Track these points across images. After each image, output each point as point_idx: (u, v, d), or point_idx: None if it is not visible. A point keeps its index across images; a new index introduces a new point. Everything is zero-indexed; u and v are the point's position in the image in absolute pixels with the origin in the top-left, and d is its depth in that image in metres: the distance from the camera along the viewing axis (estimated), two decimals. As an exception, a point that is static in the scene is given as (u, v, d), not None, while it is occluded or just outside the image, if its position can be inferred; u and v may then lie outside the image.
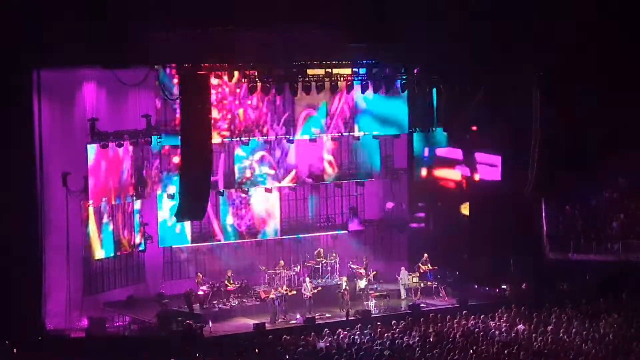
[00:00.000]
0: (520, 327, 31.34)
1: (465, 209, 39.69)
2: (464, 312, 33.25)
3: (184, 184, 33.48)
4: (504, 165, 38.65)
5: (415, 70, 36.39)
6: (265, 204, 38.58)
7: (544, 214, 39.10)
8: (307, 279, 35.85)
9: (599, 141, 38.40)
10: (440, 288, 36.99)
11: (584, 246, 38.53)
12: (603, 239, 38.72)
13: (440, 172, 39.97)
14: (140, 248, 36.49)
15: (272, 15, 32.47)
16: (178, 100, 34.02)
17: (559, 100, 36.42)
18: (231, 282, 35.71)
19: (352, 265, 37.46)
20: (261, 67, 34.29)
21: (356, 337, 30.58)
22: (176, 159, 35.62)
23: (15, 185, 31.69)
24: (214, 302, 35.27)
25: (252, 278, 36.84)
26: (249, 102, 36.78)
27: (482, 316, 32.78)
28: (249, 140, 36.85)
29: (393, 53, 35.40)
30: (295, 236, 39.28)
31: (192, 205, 33.65)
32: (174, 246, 37.41)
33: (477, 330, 31.03)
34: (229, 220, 38.05)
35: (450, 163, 39.84)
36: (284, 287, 35.24)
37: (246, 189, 37.93)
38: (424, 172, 40.19)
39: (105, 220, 35.01)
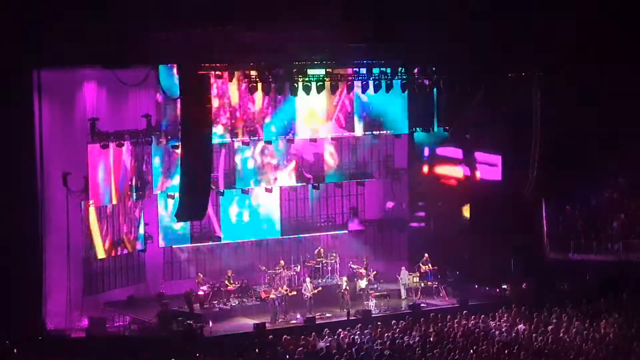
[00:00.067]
0: (521, 327, 31.34)
1: (466, 211, 39.67)
2: (464, 312, 33.26)
3: (184, 183, 33.46)
4: (504, 165, 38.63)
5: (416, 70, 36.38)
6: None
7: (544, 214, 39.04)
8: (308, 279, 35.85)
9: (599, 141, 38.40)
10: (440, 288, 36.98)
11: (585, 246, 38.46)
12: (603, 239, 38.64)
13: (441, 170, 39.98)
14: (141, 248, 36.50)
15: (272, 15, 32.48)
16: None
17: (559, 100, 36.42)
18: (231, 282, 35.69)
19: (352, 265, 37.46)
20: (261, 67, 34.29)
21: (356, 337, 30.59)
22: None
23: (15, 185, 31.69)
24: (214, 302, 35.27)
25: (253, 278, 36.83)
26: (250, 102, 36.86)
27: (483, 316, 32.77)
28: (249, 141, 36.93)
29: (393, 53, 35.42)
30: (295, 236, 39.27)
31: (193, 204, 33.63)
32: (174, 246, 37.43)
33: (477, 330, 31.03)
34: (234, 210, 38.03)
35: (450, 162, 39.84)
36: (284, 287, 35.21)
37: (246, 189, 37.92)
38: (425, 169, 40.23)
39: (105, 220, 35.00)
